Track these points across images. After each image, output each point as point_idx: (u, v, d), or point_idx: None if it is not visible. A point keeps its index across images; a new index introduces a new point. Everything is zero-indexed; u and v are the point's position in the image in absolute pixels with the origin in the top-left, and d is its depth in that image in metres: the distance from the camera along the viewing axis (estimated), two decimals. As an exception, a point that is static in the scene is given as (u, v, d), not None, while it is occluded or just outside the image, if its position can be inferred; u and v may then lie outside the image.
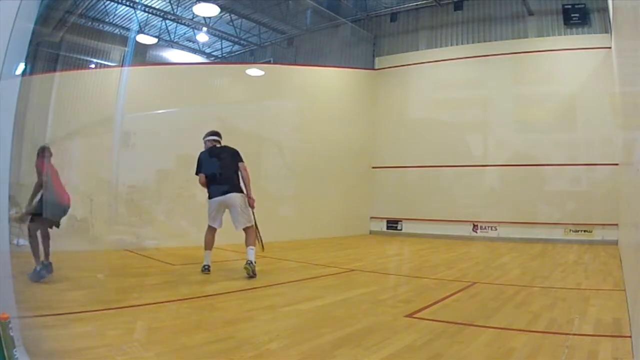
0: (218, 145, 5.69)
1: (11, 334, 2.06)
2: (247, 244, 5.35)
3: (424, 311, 3.87)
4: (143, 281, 4.83)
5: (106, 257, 5.05)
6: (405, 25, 12.76)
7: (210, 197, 5.46)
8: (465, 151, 11.31)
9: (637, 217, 3.03)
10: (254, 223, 5.51)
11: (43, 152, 4.74)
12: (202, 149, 5.68)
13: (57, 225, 4.71)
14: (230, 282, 4.98)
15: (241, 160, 5.58)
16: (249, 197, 5.48)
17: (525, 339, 3.04)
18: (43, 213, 4.54)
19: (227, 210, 5.47)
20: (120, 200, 8.19)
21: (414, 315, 3.70)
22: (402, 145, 12.08)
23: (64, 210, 4.79)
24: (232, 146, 5.75)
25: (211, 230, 5.50)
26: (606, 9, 9.52)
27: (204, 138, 5.72)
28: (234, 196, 5.38)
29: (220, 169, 5.46)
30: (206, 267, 5.36)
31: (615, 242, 8.84)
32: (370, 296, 4.56)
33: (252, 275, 5.13)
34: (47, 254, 4.52)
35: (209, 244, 5.48)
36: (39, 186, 4.59)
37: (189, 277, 5.24)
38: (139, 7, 12.79)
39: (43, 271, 4.42)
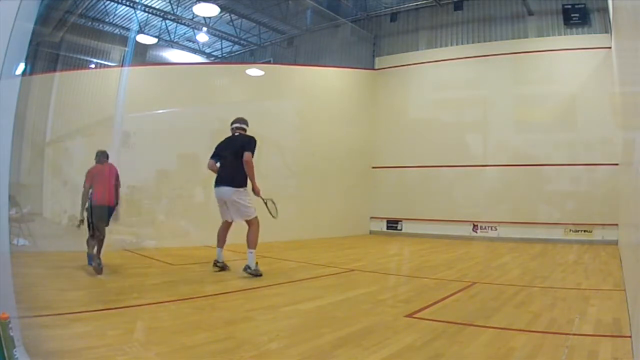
0: (236, 134, 5.58)
1: (11, 334, 2.06)
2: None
3: (424, 311, 3.87)
4: (143, 281, 4.83)
5: (106, 257, 5.05)
6: (405, 25, 12.76)
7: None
8: (465, 151, 11.31)
9: (637, 217, 3.04)
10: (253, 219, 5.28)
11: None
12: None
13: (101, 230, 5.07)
14: (230, 282, 4.98)
15: (248, 150, 5.26)
16: (253, 188, 5.30)
17: (525, 339, 3.04)
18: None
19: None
20: (120, 200, 8.18)
21: (414, 315, 3.70)
22: (402, 145, 12.08)
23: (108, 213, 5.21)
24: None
25: (222, 225, 5.46)
26: (606, 9, 9.52)
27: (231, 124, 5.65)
28: (226, 190, 5.25)
29: (224, 159, 5.37)
30: (215, 262, 5.36)
31: (615, 242, 8.84)
32: (370, 296, 4.56)
33: (256, 275, 5.11)
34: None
35: (219, 240, 5.44)
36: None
37: (189, 277, 5.24)
38: (139, 7, 12.79)
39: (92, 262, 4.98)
